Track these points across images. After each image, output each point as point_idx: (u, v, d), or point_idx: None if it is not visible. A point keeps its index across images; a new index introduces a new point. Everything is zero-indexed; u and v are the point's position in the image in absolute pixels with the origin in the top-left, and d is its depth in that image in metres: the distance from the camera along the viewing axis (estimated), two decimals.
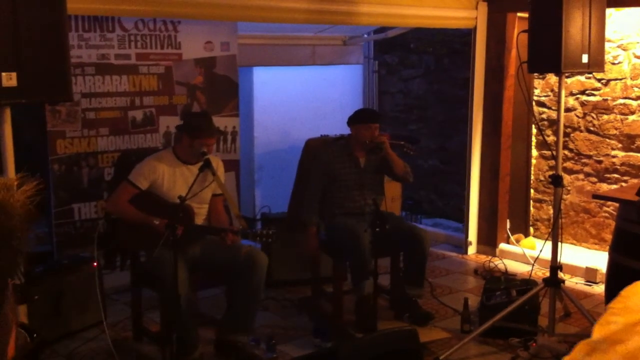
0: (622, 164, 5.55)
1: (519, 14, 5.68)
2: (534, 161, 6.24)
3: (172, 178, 3.91)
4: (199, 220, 3.98)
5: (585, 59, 3.78)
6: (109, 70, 4.85)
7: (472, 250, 6.09)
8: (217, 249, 3.87)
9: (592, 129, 5.73)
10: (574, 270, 5.31)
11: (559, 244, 4.01)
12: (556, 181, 3.97)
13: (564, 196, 5.86)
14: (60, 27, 2.70)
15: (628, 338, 1.50)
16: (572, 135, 5.86)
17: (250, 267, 3.81)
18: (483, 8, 5.79)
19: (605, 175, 5.67)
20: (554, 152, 4.06)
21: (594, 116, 5.70)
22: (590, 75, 5.64)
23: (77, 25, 4.66)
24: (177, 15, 4.81)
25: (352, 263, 4.33)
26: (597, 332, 1.58)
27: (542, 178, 6.17)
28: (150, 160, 3.94)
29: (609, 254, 4.08)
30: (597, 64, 3.89)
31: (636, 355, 1.47)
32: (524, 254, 5.71)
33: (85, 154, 4.82)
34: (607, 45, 5.03)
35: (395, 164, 4.48)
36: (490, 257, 5.86)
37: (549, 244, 4.09)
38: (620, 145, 5.56)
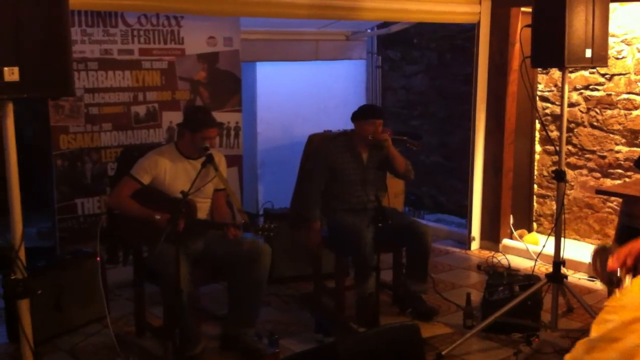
0: (625, 160, 5.54)
1: (522, 9, 5.66)
2: (537, 156, 6.22)
3: (174, 173, 3.91)
4: (202, 214, 3.98)
5: (588, 53, 3.77)
6: (112, 66, 4.85)
7: (475, 245, 6.08)
8: (220, 243, 3.87)
9: (595, 124, 5.71)
10: (577, 266, 5.30)
11: (562, 239, 4.01)
12: (559, 176, 3.96)
13: (568, 191, 5.85)
14: (62, 21, 2.69)
15: (624, 336, 1.50)
16: (575, 130, 5.84)
17: (254, 260, 3.81)
18: (486, 3, 5.77)
19: (609, 170, 5.66)
20: (557, 148, 4.04)
21: (598, 111, 5.68)
22: (594, 70, 5.63)
23: (80, 21, 4.66)
24: (180, 10, 4.81)
25: (354, 260, 4.33)
26: (595, 330, 1.59)
27: (545, 173, 6.16)
28: (153, 155, 3.94)
29: (612, 250, 4.07)
30: (600, 58, 3.87)
31: (633, 354, 1.47)
32: (527, 250, 5.70)
33: (89, 149, 4.82)
34: (610, 40, 5.01)
35: (397, 161, 4.48)
36: (493, 252, 5.85)
37: (552, 239, 4.09)
38: (624, 140, 5.54)
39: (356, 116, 4.48)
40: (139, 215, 3.81)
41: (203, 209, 3.99)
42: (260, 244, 3.90)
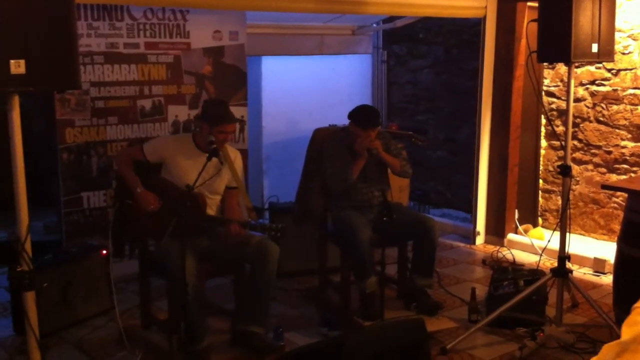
0: (631, 155, 5.53)
1: (528, 4, 5.65)
2: (542, 152, 6.22)
3: (187, 166, 3.89)
4: (211, 211, 3.97)
5: (595, 48, 3.76)
6: (118, 59, 4.86)
7: (480, 240, 6.08)
8: (227, 240, 3.86)
9: (601, 119, 5.70)
10: (582, 261, 5.30)
11: (567, 234, 4.00)
12: (565, 171, 3.95)
13: (573, 187, 5.84)
14: (69, 15, 2.70)
15: None
16: (581, 125, 5.83)
17: (261, 258, 3.81)
18: None
19: (615, 165, 5.65)
20: (563, 143, 4.04)
21: (604, 106, 5.67)
22: (600, 66, 5.61)
23: (86, 14, 4.66)
24: (185, 4, 4.81)
25: (352, 258, 4.31)
26: (626, 332, 1.55)
27: (551, 168, 6.15)
28: (167, 139, 4.00)
29: (617, 245, 4.07)
30: (607, 53, 3.86)
31: None
32: (532, 245, 5.70)
33: (95, 142, 4.83)
34: (617, 35, 5.00)
35: (391, 164, 4.48)
36: (498, 247, 5.85)
37: (557, 234, 4.09)
38: (629, 135, 5.53)
39: (352, 118, 4.40)
40: (125, 179, 3.95)
41: (213, 206, 3.99)
42: (268, 242, 3.84)
